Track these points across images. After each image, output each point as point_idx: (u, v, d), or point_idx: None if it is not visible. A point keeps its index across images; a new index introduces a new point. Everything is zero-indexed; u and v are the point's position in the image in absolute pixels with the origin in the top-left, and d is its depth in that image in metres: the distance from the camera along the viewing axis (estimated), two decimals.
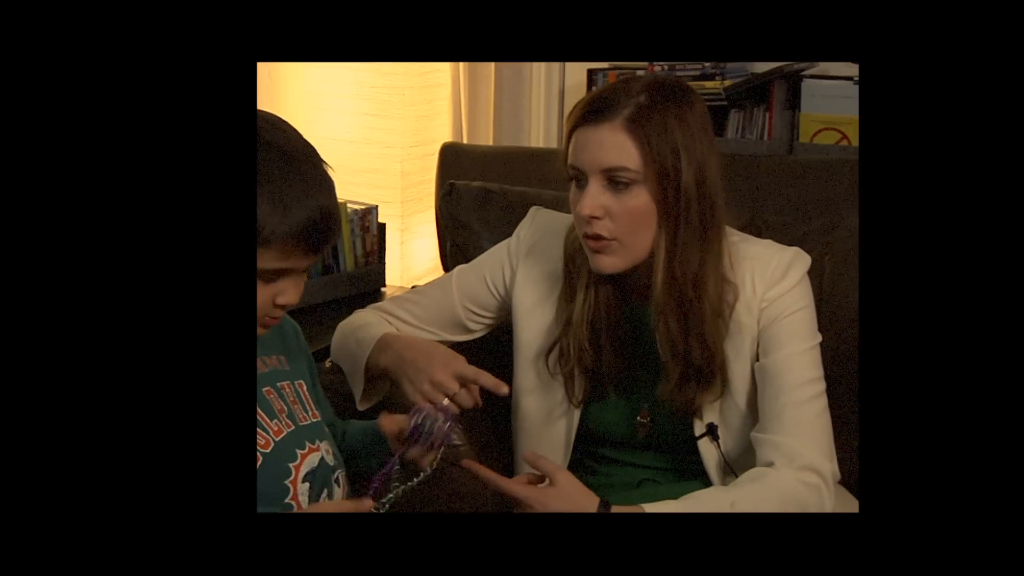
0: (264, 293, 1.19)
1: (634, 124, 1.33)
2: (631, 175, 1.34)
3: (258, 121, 1.18)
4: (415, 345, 1.45)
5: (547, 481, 1.34)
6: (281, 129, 1.20)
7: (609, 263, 1.39)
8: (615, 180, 1.34)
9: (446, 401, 1.35)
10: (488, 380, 1.37)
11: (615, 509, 1.31)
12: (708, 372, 1.42)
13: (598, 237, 1.37)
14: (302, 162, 1.19)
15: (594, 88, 2.79)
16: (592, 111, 1.36)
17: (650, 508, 1.30)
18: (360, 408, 1.52)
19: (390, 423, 1.39)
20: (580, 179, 1.38)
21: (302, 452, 1.28)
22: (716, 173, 1.38)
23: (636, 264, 1.40)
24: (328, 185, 1.21)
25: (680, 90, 1.39)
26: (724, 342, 1.42)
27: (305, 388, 1.35)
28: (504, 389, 1.39)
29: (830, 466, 1.37)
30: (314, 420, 1.32)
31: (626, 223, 1.36)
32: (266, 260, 1.16)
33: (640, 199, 1.35)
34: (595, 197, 1.35)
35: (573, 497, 1.32)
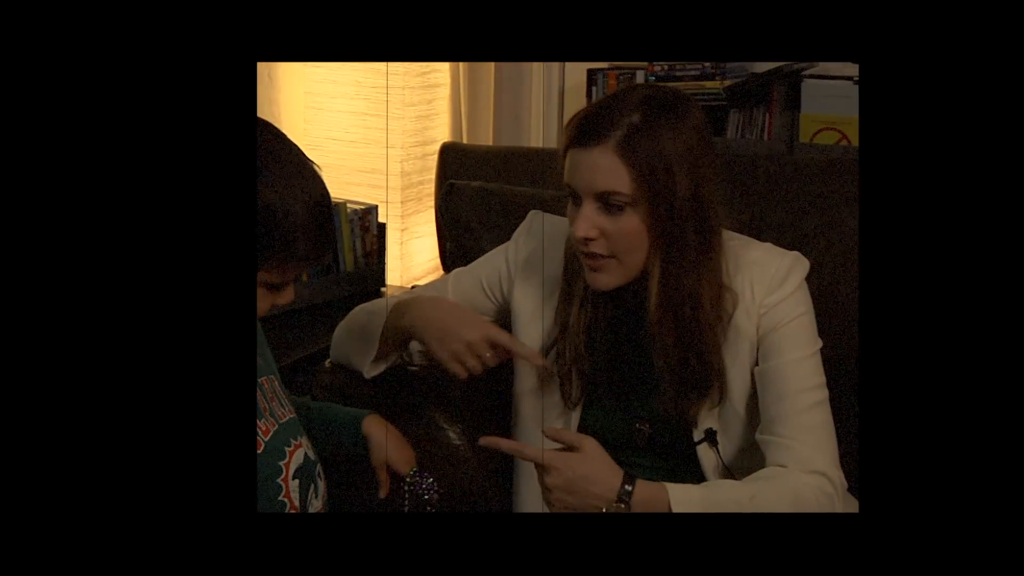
0: (268, 299, 1.20)
1: (626, 147, 1.31)
2: (624, 198, 1.33)
3: (293, 151, 1.20)
4: (440, 305, 1.49)
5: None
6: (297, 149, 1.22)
7: (605, 281, 1.39)
8: (609, 203, 1.34)
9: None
10: (522, 349, 1.43)
11: (639, 485, 1.31)
12: (704, 383, 1.41)
13: (594, 255, 1.37)
14: (321, 188, 1.21)
15: (594, 92, 2.79)
16: (584, 132, 1.34)
17: (672, 489, 1.30)
18: (368, 375, 1.55)
19: (377, 432, 1.42)
20: (576, 198, 1.37)
21: (289, 449, 1.30)
22: (714, 183, 1.37)
23: (633, 279, 1.40)
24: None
25: (676, 102, 1.36)
26: (722, 349, 1.42)
27: (277, 383, 1.36)
28: (539, 360, 1.45)
29: (838, 473, 1.37)
30: (291, 416, 1.34)
31: (622, 243, 1.35)
32: (287, 273, 1.19)
33: (634, 220, 1.34)
34: (589, 219, 1.35)
35: (599, 463, 1.32)
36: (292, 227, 1.15)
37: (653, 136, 1.32)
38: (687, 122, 1.35)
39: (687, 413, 1.43)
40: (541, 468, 1.32)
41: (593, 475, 1.31)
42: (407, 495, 1.40)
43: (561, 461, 1.31)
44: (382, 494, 1.40)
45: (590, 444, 1.33)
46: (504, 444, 1.38)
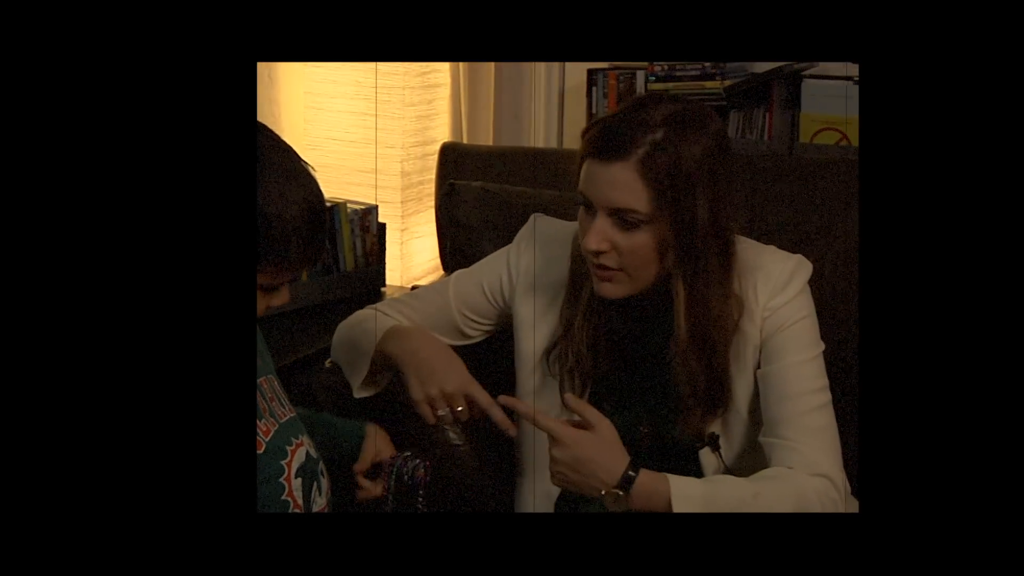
0: (263, 301, 1.21)
1: (647, 167, 1.29)
2: (640, 216, 1.31)
3: (287, 154, 1.19)
4: (432, 344, 1.46)
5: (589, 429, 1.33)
6: (293, 155, 1.21)
7: (613, 291, 1.38)
8: (624, 219, 1.32)
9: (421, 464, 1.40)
10: (497, 415, 1.40)
11: (642, 474, 1.30)
12: (720, 400, 1.41)
13: (604, 267, 1.36)
14: (314, 191, 1.20)
15: (594, 92, 2.80)
16: (605, 146, 1.31)
17: (674, 481, 1.30)
18: (356, 396, 1.53)
19: (371, 430, 1.43)
20: (589, 207, 1.35)
21: (291, 448, 1.29)
22: (733, 198, 1.36)
23: (642, 290, 1.39)
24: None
25: (699, 118, 1.34)
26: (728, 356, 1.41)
27: (276, 383, 1.36)
28: (512, 432, 1.42)
29: (842, 476, 1.36)
30: (291, 415, 1.34)
31: (633, 258, 1.34)
32: (281, 275, 1.19)
33: (648, 237, 1.33)
34: (602, 232, 1.33)
35: (606, 447, 1.31)
36: (286, 230, 1.15)
37: (675, 156, 1.30)
38: (709, 140, 1.33)
39: (698, 426, 1.43)
40: (552, 439, 1.31)
41: (599, 458, 1.30)
42: (391, 478, 1.39)
43: (572, 437, 1.30)
44: (360, 487, 1.41)
45: (604, 426, 1.32)
46: (521, 407, 1.38)
